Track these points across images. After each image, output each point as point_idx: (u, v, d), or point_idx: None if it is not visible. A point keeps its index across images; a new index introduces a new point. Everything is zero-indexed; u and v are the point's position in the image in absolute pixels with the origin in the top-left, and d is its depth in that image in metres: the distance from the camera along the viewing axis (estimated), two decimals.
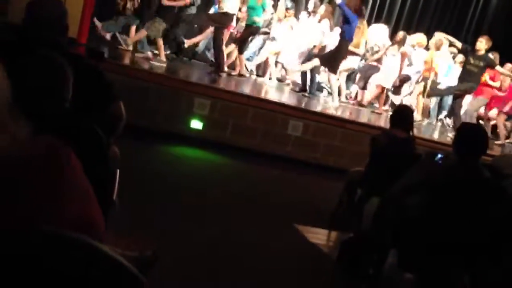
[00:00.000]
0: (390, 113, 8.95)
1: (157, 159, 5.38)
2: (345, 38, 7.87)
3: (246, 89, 7.83)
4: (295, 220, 4.43)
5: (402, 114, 4.08)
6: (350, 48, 8.24)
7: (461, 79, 8.09)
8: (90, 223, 0.74)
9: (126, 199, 2.51)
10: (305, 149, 6.66)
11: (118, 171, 1.97)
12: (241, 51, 8.55)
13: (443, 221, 2.85)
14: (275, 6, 9.20)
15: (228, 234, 3.82)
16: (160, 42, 7.60)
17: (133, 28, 8.38)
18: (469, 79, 7.92)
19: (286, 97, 8.17)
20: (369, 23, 10.82)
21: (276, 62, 9.42)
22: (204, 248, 3.48)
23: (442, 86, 8.98)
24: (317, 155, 6.71)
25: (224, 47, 8.12)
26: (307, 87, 8.77)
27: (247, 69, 9.28)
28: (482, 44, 7.78)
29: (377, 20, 11.39)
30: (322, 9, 8.94)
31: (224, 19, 7.73)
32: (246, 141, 6.43)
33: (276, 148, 6.54)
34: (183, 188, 4.61)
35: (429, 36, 9.40)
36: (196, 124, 6.30)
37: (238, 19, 8.85)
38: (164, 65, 7.43)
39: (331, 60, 8.06)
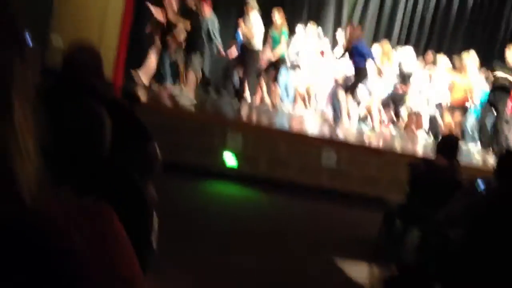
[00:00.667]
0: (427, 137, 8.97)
1: (192, 196, 5.39)
2: (361, 66, 7.94)
3: (278, 122, 7.85)
4: (334, 253, 4.33)
5: (446, 142, 4.00)
6: (376, 75, 8.44)
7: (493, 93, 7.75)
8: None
9: (162, 238, 2.51)
10: (340, 180, 6.57)
11: (155, 214, 1.97)
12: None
13: (488, 252, 2.73)
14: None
15: (266, 269, 3.77)
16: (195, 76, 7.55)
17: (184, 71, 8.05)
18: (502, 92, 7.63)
19: (318, 128, 8.14)
20: (398, 44, 10.81)
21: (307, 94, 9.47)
22: (244, 282, 3.44)
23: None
24: (353, 185, 6.60)
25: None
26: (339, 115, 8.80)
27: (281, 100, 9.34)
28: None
29: (407, 42, 11.35)
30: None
31: (253, 61, 7.77)
32: (280, 174, 6.39)
33: (310, 180, 6.47)
34: (218, 224, 4.59)
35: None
36: (229, 159, 6.32)
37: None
38: (193, 100, 7.48)
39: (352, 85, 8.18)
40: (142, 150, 2.41)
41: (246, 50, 7.88)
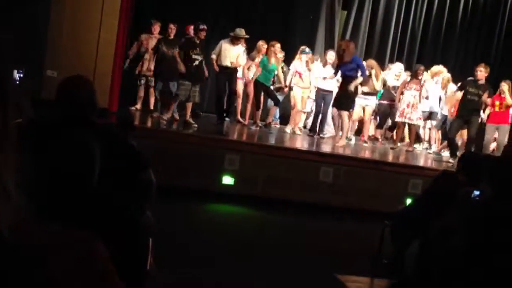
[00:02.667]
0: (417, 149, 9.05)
1: (191, 218, 5.40)
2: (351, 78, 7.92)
3: (272, 140, 7.89)
4: (335, 269, 4.33)
5: (466, 159, 3.96)
6: (365, 89, 8.54)
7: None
8: None
9: (162, 260, 2.53)
10: (339, 195, 6.58)
11: (150, 240, 1.99)
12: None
13: (489, 262, 2.74)
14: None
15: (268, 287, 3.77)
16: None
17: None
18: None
19: (314, 145, 8.19)
20: (390, 62, 10.94)
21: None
22: None
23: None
24: (352, 199, 6.62)
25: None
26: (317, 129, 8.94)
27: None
28: (482, 73, 7.94)
29: (400, 59, 11.48)
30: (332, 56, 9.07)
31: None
32: (278, 193, 6.41)
33: (309, 196, 6.49)
34: (218, 245, 4.60)
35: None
36: (227, 180, 6.35)
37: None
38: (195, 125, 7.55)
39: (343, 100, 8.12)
40: (137, 178, 2.45)
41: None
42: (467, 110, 8.00)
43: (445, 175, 4.11)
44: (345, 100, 7.95)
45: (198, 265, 4.06)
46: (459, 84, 8.84)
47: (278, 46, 8.62)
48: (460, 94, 8.37)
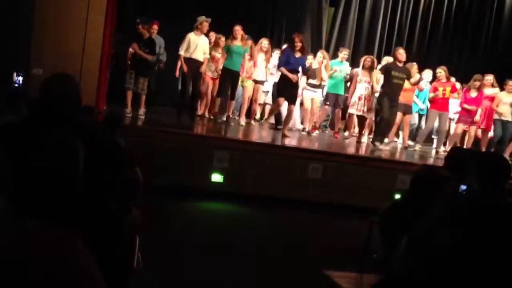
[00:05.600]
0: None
1: (180, 216, 5.39)
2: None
3: (261, 137, 7.89)
4: (324, 265, 4.34)
5: (452, 156, 3.99)
6: (313, 81, 8.79)
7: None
8: None
9: (151, 258, 2.52)
10: (327, 191, 6.60)
11: (138, 238, 1.98)
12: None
13: (476, 257, 2.76)
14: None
15: (258, 284, 3.77)
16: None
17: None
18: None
19: (303, 141, 8.20)
20: (379, 59, 11.00)
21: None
22: None
23: None
24: (340, 195, 6.64)
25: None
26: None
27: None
28: (403, 56, 8.06)
29: (387, 55, 11.52)
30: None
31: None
32: (267, 190, 6.41)
33: (298, 193, 6.50)
34: (207, 243, 4.60)
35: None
36: (216, 177, 6.34)
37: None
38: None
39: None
40: (123, 176, 2.43)
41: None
42: (393, 93, 8.03)
43: (426, 170, 4.15)
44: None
45: (187, 263, 4.05)
46: (379, 66, 8.88)
47: (238, 28, 8.44)
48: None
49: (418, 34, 12.13)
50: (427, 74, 9.63)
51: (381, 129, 8.34)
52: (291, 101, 7.90)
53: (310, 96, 9.06)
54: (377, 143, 8.16)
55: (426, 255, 3.03)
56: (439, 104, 8.77)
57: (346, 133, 9.44)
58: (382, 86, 8.26)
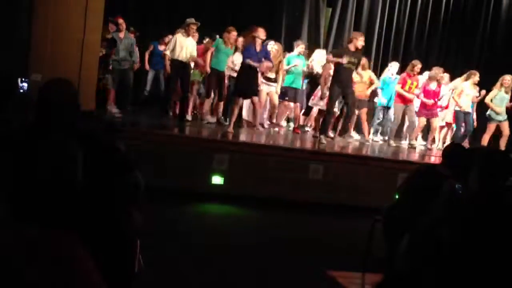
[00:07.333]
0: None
1: (181, 218, 5.38)
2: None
3: (261, 139, 7.89)
4: (327, 266, 4.33)
5: (448, 151, 3.98)
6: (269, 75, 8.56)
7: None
8: None
9: (152, 261, 2.51)
10: (328, 192, 6.59)
11: (138, 241, 1.97)
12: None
13: (476, 257, 2.75)
14: None
15: (259, 286, 3.76)
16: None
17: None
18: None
19: (301, 142, 8.20)
20: (377, 59, 11.01)
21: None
22: None
23: None
24: (342, 196, 6.63)
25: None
26: None
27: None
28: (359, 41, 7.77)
29: (385, 56, 11.56)
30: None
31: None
32: (267, 191, 6.40)
33: (298, 194, 6.49)
34: (208, 244, 4.59)
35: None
36: (216, 179, 6.33)
37: None
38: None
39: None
40: (123, 180, 2.42)
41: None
42: (345, 80, 7.71)
43: (424, 169, 4.15)
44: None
45: (187, 265, 4.04)
46: (333, 50, 8.77)
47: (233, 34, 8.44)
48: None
49: (416, 34, 12.14)
50: (394, 66, 9.67)
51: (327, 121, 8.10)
52: (252, 93, 7.68)
53: (266, 90, 8.81)
54: (322, 136, 7.88)
55: (426, 254, 3.03)
56: (404, 97, 8.78)
57: (307, 128, 9.45)
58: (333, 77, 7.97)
